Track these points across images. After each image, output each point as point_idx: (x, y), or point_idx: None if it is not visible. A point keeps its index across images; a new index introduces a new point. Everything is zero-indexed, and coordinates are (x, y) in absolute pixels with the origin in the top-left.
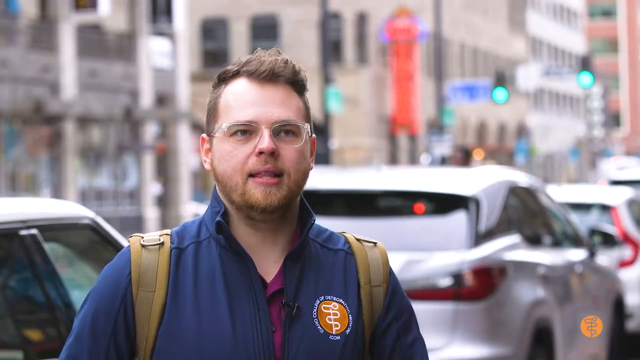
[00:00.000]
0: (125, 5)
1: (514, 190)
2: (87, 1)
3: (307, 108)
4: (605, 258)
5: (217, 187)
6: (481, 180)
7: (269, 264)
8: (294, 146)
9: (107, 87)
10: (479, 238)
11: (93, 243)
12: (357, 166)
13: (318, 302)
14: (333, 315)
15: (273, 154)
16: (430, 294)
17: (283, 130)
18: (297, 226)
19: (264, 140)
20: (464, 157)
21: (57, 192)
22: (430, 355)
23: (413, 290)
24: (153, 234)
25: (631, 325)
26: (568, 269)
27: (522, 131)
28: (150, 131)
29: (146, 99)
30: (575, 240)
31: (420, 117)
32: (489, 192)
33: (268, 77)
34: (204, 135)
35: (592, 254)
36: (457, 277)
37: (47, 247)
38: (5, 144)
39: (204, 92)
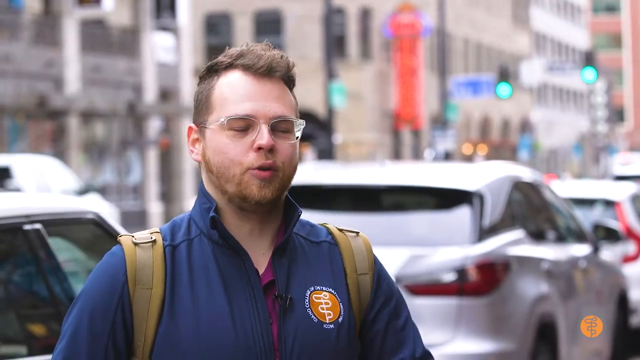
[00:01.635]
0: (129, 1)
1: (518, 186)
2: None
3: (297, 104)
4: (609, 253)
5: (208, 179)
6: (485, 175)
7: (258, 255)
8: (289, 142)
9: (110, 82)
10: (483, 233)
11: (97, 238)
12: (361, 161)
13: (309, 292)
14: (325, 304)
15: (271, 150)
16: (434, 289)
17: (279, 126)
18: (282, 219)
19: (263, 136)
20: None
21: None
22: (434, 350)
23: (417, 285)
24: (143, 232)
25: (635, 320)
26: (572, 264)
27: (525, 126)
28: (153, 126)
29: (150, 94)
30: (579, 236)
31: (423, 112)
32: (493, 187)
33: (266, 71)
34: (192, 125)
35: (595, 249)
36: (461, 272)
37: (51, 241)
38: (9, 139)
39: None
